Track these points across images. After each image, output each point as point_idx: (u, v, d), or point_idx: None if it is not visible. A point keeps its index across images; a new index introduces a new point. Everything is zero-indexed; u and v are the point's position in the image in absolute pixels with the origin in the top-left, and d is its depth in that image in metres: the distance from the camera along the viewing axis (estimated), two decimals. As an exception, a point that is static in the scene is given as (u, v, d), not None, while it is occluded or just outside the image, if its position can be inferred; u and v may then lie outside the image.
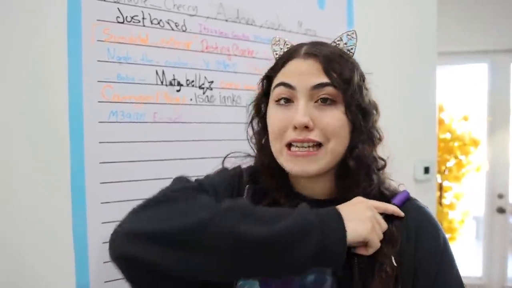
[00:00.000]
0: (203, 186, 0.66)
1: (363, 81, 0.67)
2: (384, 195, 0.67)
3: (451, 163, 2.69)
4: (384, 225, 0.62)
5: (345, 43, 0.68)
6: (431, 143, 1.69)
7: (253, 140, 0.74)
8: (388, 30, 1.48)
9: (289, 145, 0.63)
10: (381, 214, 0.63)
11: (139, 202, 0.60)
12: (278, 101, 0.65)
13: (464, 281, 0.65)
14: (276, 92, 0.65)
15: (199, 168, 0.89)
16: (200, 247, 0.53)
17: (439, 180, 2.66)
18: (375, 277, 0.59)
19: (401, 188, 0.71)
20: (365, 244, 0.58)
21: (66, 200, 0.84)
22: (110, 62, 0.89)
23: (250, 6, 1.11)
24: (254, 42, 1.12)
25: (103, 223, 0.87)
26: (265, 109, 0.71)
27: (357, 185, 0.65)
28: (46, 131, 0.83)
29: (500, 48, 2.86)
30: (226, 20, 1.07)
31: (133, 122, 0.93)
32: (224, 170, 0.74)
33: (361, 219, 0.58)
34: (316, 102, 0.63)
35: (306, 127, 0.61)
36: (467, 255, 3.13)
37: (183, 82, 1.00)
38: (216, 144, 1.04)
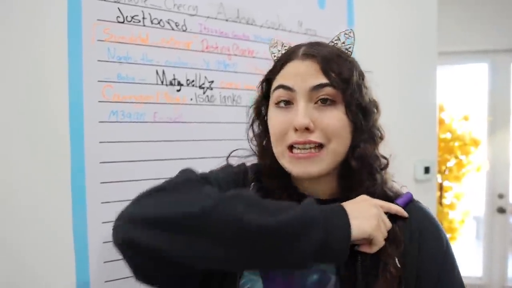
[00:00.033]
0: (207, 179, 0.65)
1: (363, 79, 0.66)
2: (388, 196, 0.67)
3: (451, 163, 2.69)
4: (389, 224, 0.61)
5: (343, 42, 0.68)
6: (431, 143, 1.69)
7: (254, 142, 0.74)
8: (388, 30, 1.48)
9: (290, 147, 0.63)
10: (385, 213, 0.63)
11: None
12: (278, 103, 0.65)
13: (464, 281, 0.65)
14: (276, 95, 0.65)
15: (200, 168, 0.88)
16: (204, 233, 0.53)
17: (440, 180, 2.66)
18: (379, 277, 0.59)
19: (404, 190, 0.71)
20: (369, 242, 0.58)
21: (66, 200, 0.84)
22: (111, 62, 0.89)
23: (250, 6, 1.11)
24: (255, 42, 1.12)
25: (103, 223, 0.87)
26: (265, 112, 0.71)
27: (360, 185, 0.65)
28: (46, 131, 0.83)
29: (501, 48, 2.86)
30: (227, 20, 1.07)
31: (134, 122, 0.93)
32: (228, 166, 0.74)
33: (366, 216, 0.58)
34: (316, 103, 0.63)
35: (307, 129, 0.61)
36: (467, 255, 3.13)
37: (183, 82, 1.00)
38: (216, 144, 1.04)
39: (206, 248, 0.53)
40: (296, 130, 0.61)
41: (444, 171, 2.70)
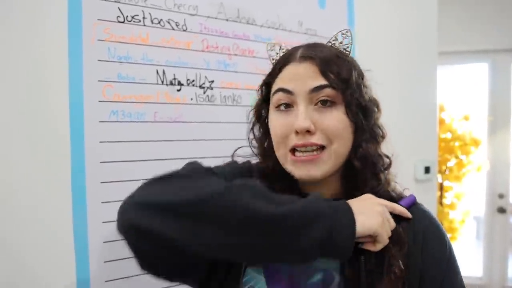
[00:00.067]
0: (213, 172, 0.65)
1: (362, 79, 0.66)
2: (391, 197, 0.67)
3: (451, 163, 2.69)
4: (393, 223, 0.61)
5: (341, 42, 0.68)
6: (431, 142, 1.69)
7: (255, 144, 0.74)
8: (389, 29, 1.48)
9: (293, 150, 0.63)
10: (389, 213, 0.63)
11: None
12: (278, 107, 0.65)
13: (465, 281, 0.65)
14: (276, 98, 0.65)
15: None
16: (210, 219, 0.52)
17: (440, 180, 2.66)
18: (384, 278, 0.59)
19: (406, 193, 0.70)
20: (373, 239, 0.58)
21: (66, 199, 0.84)
22: (111, 61, 0.89)
23: (250, 5, 1.11)
24: (255, 41, 1.12)
25: (103, 222, 0.87)
26: (266, 114, 0.71)
27: (365, 185, 0.65)
28: (47, 131, 0.83)
29: (501, 47, 2.86)
30: (227, 20, 1.07)
31: (134, 122, 0.93)
32: (234, 162, 0.74)
33: (371, 212, 0.58)
34: (316, 104, 0.62)
35: (308, 131, 0.61)
36: (468, 255, 3.13)
37: (183, 81, 1.00)
38: (217, 143, 1.04)
39: (211, 235, 0.52)
40: (297, 133, 0.61)
41: (445, 171, 2.70)
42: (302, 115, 0.61)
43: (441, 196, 2.67)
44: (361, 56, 0.70)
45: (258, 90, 0.72)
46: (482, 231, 3.12)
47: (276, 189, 0.68)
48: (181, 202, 0.53)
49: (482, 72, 3.00)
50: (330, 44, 0.68)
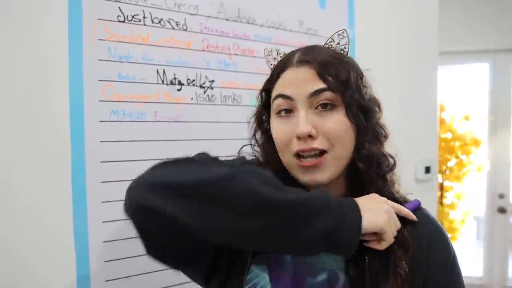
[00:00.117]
0: (223, 163, 0.65)
1: (361, 79, 0.66)
2: (396, 199, 0.67)
3: (452, 162, 2.69)
4: (399, 223, 0.61)
5: (338, 43, 0.67)
6: (432, 142, 1.68)
7: (257, 149, 0.74)
8: (389, 29, 1.48)
9: (297, 155, 0.63)
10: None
11: None
12: (278, 113, 0.65)
13: (465, 281, 0.65)
14: (276, 104, 0.65)
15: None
16: (219, 201, 0.52)
17: (440, 180, 2.65)
18: (389, 279, 0.59)
19: (410, 197, 0.70)
20: (378, 238, 0.58)
21: (67, 199, 0.84)
22: (111, 61, 0.89)
23: (251, 5, 1.10)
24: (255, 41, 1.12)
25: (104, 222, 0.87)
26: (267, 119, 0.71)
27: (370, 185, 0.64)
28: (47, 131, 0.83)
29: (501, 47, 2.86)
30: (227, 19, 1.07)
31: (134, 121, 0.93)
32: (242, 157, 0.74)
33: (377, 210, 0.58)
34: (316, 108, 0.62)
35: (310, 136, 0.61)
36: (468, 255, 3.13)
37: (184, 81, 1.00)
38: (217, 143, 1.04)
39: (219, 218, 0.52)
40: (299, 138, 0.61)
41: (445, 171, 2.70)
42: (303, 120, 0.61)
43: (441, 196, 2.66)
44: (361, 56, 0.70)
45: (258, 96, 0.72)
46: (482, 231, 3.12)
47: None
48: (189, 183, 0.53)
49: (482, 72, 3.00)
50: (327, 46, 0.68)
